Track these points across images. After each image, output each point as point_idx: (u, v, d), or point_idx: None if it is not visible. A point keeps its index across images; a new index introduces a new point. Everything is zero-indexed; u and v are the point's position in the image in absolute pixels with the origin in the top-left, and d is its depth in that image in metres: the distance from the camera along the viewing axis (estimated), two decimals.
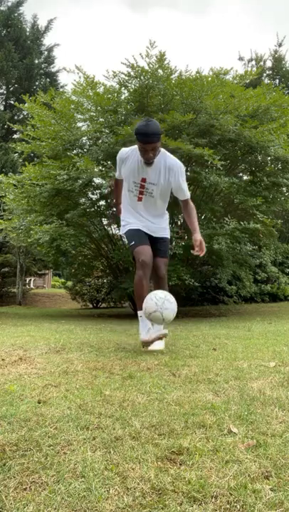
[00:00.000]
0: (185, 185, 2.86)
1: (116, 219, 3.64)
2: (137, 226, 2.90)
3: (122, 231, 3.00)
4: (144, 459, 1.16)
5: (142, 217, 2.91)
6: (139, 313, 2.78)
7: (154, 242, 2.94)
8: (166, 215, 3.10)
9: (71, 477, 1.06)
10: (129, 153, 2.82)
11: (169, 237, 3.08)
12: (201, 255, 2.84)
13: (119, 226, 3.60)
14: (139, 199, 2.85)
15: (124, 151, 2.89)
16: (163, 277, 2.96)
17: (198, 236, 2.82)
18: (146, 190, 2.80)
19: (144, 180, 2.79)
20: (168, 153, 2.82)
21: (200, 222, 6.77)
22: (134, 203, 2.89)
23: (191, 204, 2.95)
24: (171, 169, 2.76)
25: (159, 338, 2.74)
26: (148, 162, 2.71)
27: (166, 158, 2.77)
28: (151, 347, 2.72)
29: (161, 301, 2.56)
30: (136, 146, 2.76)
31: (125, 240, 3.51)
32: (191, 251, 2.89)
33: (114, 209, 3.16)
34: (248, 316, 6.94)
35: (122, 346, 2.98)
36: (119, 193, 3.08)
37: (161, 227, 2.99)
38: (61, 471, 1.09)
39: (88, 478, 1.05)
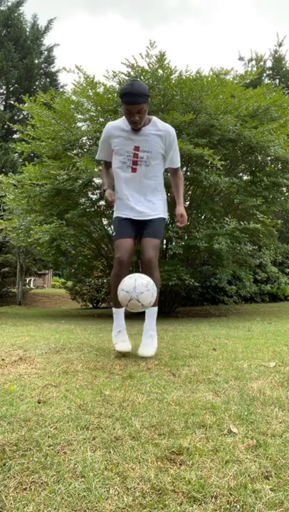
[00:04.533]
0: (177, 153, 2.71)
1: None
2: (121, 214, 2.68)
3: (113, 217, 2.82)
4: (144, 459, 1.16)
5: (130, 197, 2.65)
6: (113, 309, 2.70)
7: (144, 223, 2.67)
8: (163, 194, 2.79)
9: (71, 477, 1.06)
10: (117, 125, 2.64)
11: (163, 216, 2.73)
12: (182, 225, 2.71)
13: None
14: (133, 170, 2.62)
15: (110, 124, 2.68)
16: (148, 262, 2.57)
17: (181, 209, 2.71)
18: (140, 159, 2.60)
19: (137, 148, 2.58)
20: (159, 120, 2.66)
21: (200, 222, 6.80)
22: (127, 179, 2.64)
23: (180, 174, 2.83)
24: (163, 135, 2.59)
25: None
26: (135, 127, 2.52)
27: (157, 124, 2.61)
28: (142, 352, 2.55)
29: (131, 287, 2.32)
30: (124, 116, 2.57)
31: None
32: (175, 220, 2.79)
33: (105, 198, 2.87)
34: (248, 316, 6.94)
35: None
36: (110, 179, 2.81)
37: (151, 208, 2.68)
38: (61, 471, 1.09)
39: (88, 478, 1.05)
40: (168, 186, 2.82)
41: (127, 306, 2.37)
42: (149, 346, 2.59)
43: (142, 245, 2.63)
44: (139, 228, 2.69)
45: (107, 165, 2.81)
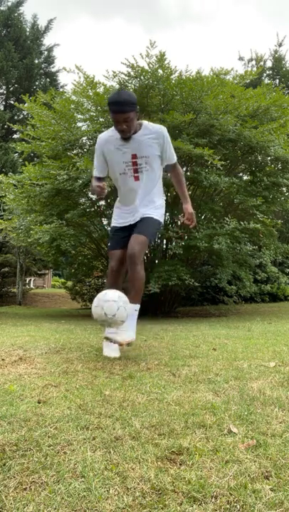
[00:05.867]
0: (171, 149, 2.69)
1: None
2: (119, 223, 2.69)
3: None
4: (144, 459, 1.16)
5: (133, 207, 2.64)
6: None
7: (135, 224, 2.66)
8: (162, 198, 2.77)
9: (71, 477, 1.06)
10: (109, 136, 2.61)
11: (155, 217, 2.66)
12: (192, 226, 2.67)
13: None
14: (136, 178, 2.59)
15: (101, 136, 2.66)
16: (131, 256, 2.50)
17: (189, 207, 2.68)
18: (140, 166, 2.58)
19: (134, 156, 2.56)
20: (149, 123, 2.63)
21: (200, 222, 6.79)
22: (130, 189, 2.62)
23: (180, 169, 2.79)
24: (156, 137, 2.58)
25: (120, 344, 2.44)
26: (124, 136, 2.50)
27: (148, 127, 2.59)
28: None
29: (99, 298, 2.37)
30: (113, 126, 2.55)
31: None
32: (180, 217, 2.76)
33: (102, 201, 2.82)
34: (248, 316, 6.94)
35: (123, 348, 2.98)
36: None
37: (149, 207, 2.65)
38: (61, 471, 1.09)
39: (88, 478, 1.05)
40: (169, 185, 2.75)
41: (97, 316, 2.36)
42: (122, 332, 2.44)
43: (129, 241, 2.57)
44: (131, 231, 2.65)
45: (99, 178, 2.72)
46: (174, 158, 2.74)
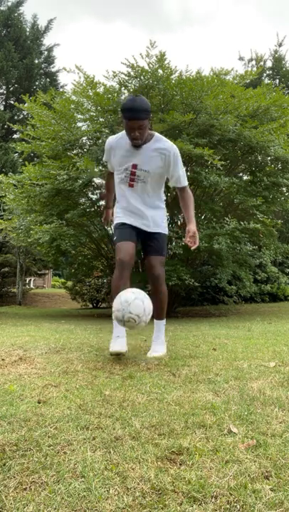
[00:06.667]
0: (182, 172, 2.61)
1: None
2: (124, 220, 2.63)
3: (113, 224, 2.77)
4: (144, 459, 1.16)
5: (133, 207, 2.62)
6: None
7: (147, 238, 2.66)
8: (163, 209, 2.75)
9: (71, 477, 1.06)
10: (118, 140, 2.58)
11: (165, 232, 2.72)
12: (193, 248, 2.60)
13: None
14: (130, 185, 2.57)
15: (111, 138, 2.64)
16: (158, 277, 2.62)
17: (192, 227, 2.59)
18: (137, 177, 2.54)
19: (134, 166, 2.52)
20: (162, 137, 2.57)
21: (200, 222, 6.79)
22: (126, 192, 2.62)
23: (189, 192, 2.69)
24: (164, 154, 2.51)
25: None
26: (136, 144, 2.45)
27: (159, 141, 2.53)
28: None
29: (126, 304, 2.19)
30: (123, 131, 2.51)
31: None
32: (183, 239, 2.73)
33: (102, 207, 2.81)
34: (248, 316, 6.94)
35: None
36: (110, 194, 2.87)
37: (155, 221, 2.65)
38: (61, 471, 1.09)
39: (88, 478, 1.05)
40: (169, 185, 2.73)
41: (114, 314, 2.25)
42: (158, 349, 2.66)
43: (150, 262, 2.64)
44: (140, 237, 2.65)
45: (109, 176, 2.81)
46: (184, 182, 2.64)
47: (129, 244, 2.54)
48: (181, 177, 2.62)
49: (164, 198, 2.82)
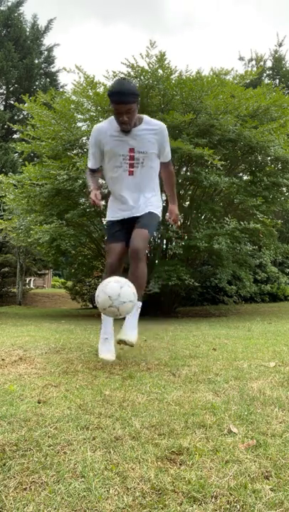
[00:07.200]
0: (168, 147, 2.65)
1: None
2: (114, 217, 2.61)
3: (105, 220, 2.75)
4: (144, 459, 1.16)
5: (126, 200, 2.56)
6: (102, 315, 2.48)
7: (137, 219, 2.57)
8: (158, 193, 2.70)
9: (71, 477, 1.06)
10: (107, 125, 2.50)
11: (156, 212, 2.61)
12: (176, 226, 2.73)
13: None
14: (131, 173, 2.51)
15: (99, 125, 2.54)
16: (135, 252, 2.43)
17: (175, 208, 2.75)
18: (136, 161, 2.50)
19: (132, 150, 2.47)
20: (151, 119, 2.57)
21: (200, 222, 6.80)
22: (124, 183, 2.55)
23: (172, 168, 2.76)
24: (156, 133, 2.52)
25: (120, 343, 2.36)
26: (125, 129, 2.40)
27: (148, 123, 2.53)
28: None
29: (116, 293, 2.13)
30: (111, 117, 2.46)
31: None
32: (166, 218, 2.75)
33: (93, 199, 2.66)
34: (248, 316, 6.94)
35: (121, 346, 2.97)
36: (94, 178, 2.69)
37: (149, 202, 2.59)
38: (61, 471, 1.09)
39: (88, 478, 1.05)
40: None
41: (104, 310, 2.20)
42: (128, 332, 2.36)
43: (132, 236, 2.48)
44: (131, 229, 2.56)
45: (94, 170, 2.67)
46: (169, 157, 2.71)
47: (118, 247, 2.55)
48: (169, 152, 2.70)
49: (159, 190, 2.77)
